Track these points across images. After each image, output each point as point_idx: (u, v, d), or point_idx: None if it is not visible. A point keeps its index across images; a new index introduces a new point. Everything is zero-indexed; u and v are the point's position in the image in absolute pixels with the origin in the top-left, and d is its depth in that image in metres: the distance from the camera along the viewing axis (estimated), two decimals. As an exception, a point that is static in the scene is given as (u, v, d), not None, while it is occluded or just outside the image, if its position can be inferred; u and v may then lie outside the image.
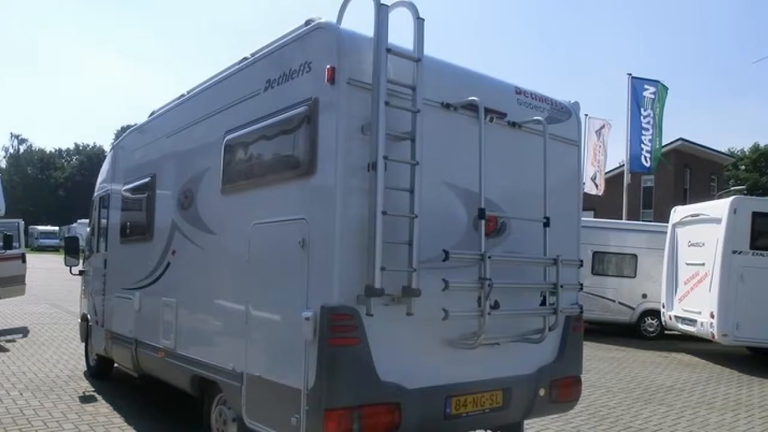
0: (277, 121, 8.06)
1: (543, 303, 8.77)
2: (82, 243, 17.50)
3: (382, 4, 7.19)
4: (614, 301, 27.15)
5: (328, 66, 7.17)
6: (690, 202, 27.62)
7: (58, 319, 25.89)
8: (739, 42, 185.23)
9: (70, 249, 16.54)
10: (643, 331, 27.32)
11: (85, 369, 15.98)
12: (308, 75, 7.59)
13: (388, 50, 7.17)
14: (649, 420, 13.45)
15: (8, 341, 20.36)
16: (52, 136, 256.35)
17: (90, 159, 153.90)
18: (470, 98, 8.17)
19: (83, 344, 16.50)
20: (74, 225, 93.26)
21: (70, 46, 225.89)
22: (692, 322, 22.29)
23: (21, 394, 13.41)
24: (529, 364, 8.91)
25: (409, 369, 7.54)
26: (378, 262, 6.90)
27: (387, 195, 6.99)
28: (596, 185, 36.73)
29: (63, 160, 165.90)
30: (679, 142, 58.35)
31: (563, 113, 9.69)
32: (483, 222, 8.01)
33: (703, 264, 21.88)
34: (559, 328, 9.00)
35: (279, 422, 7.59)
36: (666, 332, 26.49)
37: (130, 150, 13.80)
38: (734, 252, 20.80)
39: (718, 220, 21.42)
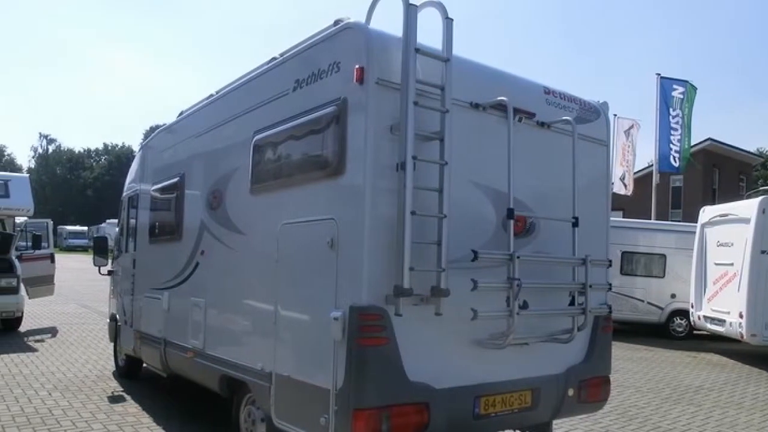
0: (305, 121, 8.07)
1: (572, 303, 8.75)
2: (110, 243, 17.57)
3: (411, 4, 7.19)
4: (643, 301, 27.06)
5: (357, 66, 7.18)
6: (719, 202, 27.49)
7: (87, 319, 26.02)
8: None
9: (99, 249, 16.60)
10: (672, 331, 27.21)
11: (114, 369, 16.05)
12: (337, 75, 7.59)
13: (417, 50, 7.16)
14: (677, 420, 13.40)
15: (37, 341, 20.50)
16: (81, 136, 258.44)
17: (119, 159, 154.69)
18: (499, 98, 8.16)
19: (112, 344, 16.57)
20: (103, 225, 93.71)
21: (99, 46, 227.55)
22: (721, 322, 22.17)
23: (50, 393, 13.48)
24: (557, 364, 8.89)
25: (438, 369, 7.54)
26: (407, 262, 6.89)
27: (416, 195, 6.99)
28: (625, 185, 36.61)
29: (92, 160, 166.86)
30: (708, 142, 58.08)
31: (592, 113, 9.66)
32: (512, 222, 8.00)
33: (732, 264, 21.78)
34: (587, 328, 8.96)
35: (308, 422, 7.60)
36: (695, 332, 26.37)
37: (159, 150, 13.85)
38: (763, 252, 20.66)
39: (746, 220, 21.31)
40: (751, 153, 71.13)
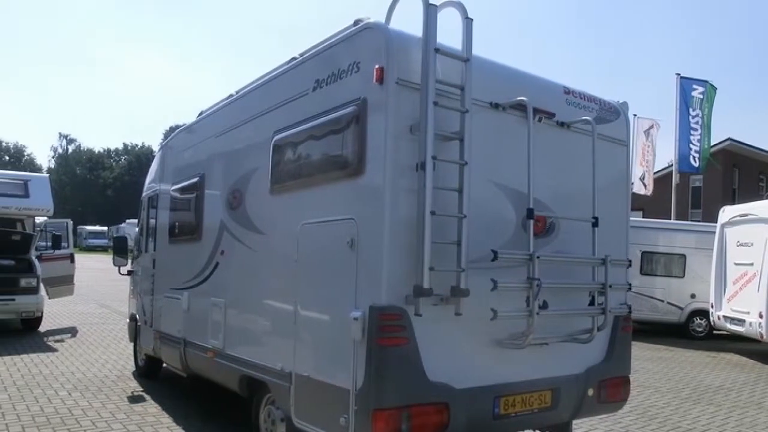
0: (325, 121, 8.09)
1: (591, 303, 8.73)
2: (130, 243, 17.61)
3: (431, 5, 7.20)
4: (663, 301, 26.98)
5: (376, 66, 7.18)
6: (738, 202, 27.44)
7: (107, 319, 26.08)
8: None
9: (119, 249, 16.64)
10: (692, 331, 27.13)
11: (134, 369, 16.09)
12: (357, 75, 7.60)
13: (437, 50, 7.17)
14: (697, 420, 13.37)
15: (57, 341, 20.57)
16: (101, 136, 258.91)
17: (138, 159, 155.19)
18: (519, 98, 8.15)
19: (132, 344, 16.60)
20: (123, 225, 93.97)
21: (118, 46, 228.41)
22: (741, 322, 22.09)
23: (70, 394, 13.52)
24: (577, 364, 8.88)
25: (458, 369, 7.53)
26: (427, 262, 6.90)
27: (435, 195, 7.00)
28: (645, 185, 36.59)
29: (111, 160, 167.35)
30: (728, 142, 57.75)
31: (612, 113, 9.64)
32: (532, 222, 8.00)
33: (752, 264, 21.70)
34: (607, 328, 8.94)
35: (328, 422, 7.60)
36: (714, 332, 26.31)
37: (179, 150, 13.88)
38: (783, 252, 20.61)
39: (766, 220, 21.23)
40: (772, 153, 70.82)
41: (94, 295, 35.12)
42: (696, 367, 20.33)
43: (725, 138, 57.26)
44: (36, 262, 22.83)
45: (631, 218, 10.19)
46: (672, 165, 39.19)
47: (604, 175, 8.98)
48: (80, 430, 11.08)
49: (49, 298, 23.81)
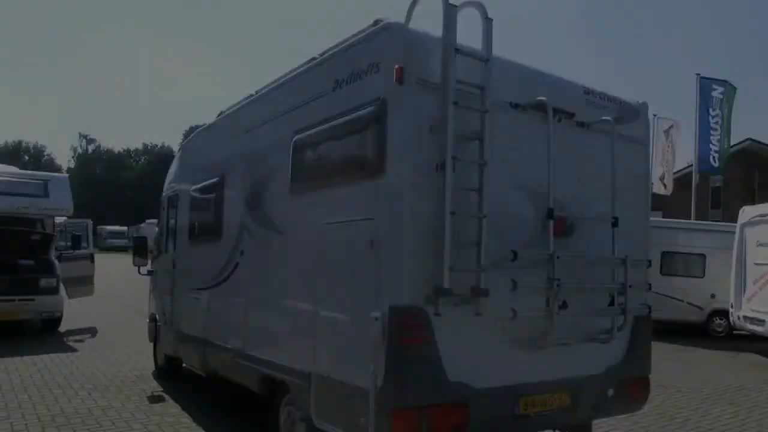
0: (345, 121, 8.06)
1: (611, 303, 8.73)
2: (150, 243, 17.63)
3: (451, 5, 7.20)
4: (683, 301, 26.84)
5: (396, 66, 7.16)
6: (758, 202, 27.29)
7: (127, 320, 26.04)
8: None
9: (139, 249, 16.65)
10: (712, 331, 27.07)
11: (154, 369, 16.11)
12: (377, 75, 7.57)
13: (457, 50, 7.18)
14: (717, 420, 13.32)
15: (77, 341, 20.65)
16: (120, 137, 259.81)
17: (158, 159, 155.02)
18: (539, 98, 8.15)
19: (152, 344, 16.62)
20: (143, 225, 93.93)
21: (136, 46, 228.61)
22: (761, 322, 21.98)
23: (90, 394, 13.56)
24: (597, 364, 8.85)
25: (478, 369, 7.52)
26: (447, 262, 6.91)
27: (455, 195, 7.00)
28: (664, 185, 36.52)
29: (131, 160, 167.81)
30: (748, 143, 57.38)
31: (632, 113, 9.62)
32: (552, 222, 7.99)
33: (772, 264, 21.60)
34: (627, 328, 8.93)
35: (347, 422, 7.62)
36: (734, 332, 26.19)
37: (199, 150, 13.92)
38: (803, 252, 20.53)
39: (786, 221, 21.17)
40: (791, 153, 70.42)
41: (114, 296, 35.14)
42: (716, 367, 20.28)
43: (745, 138, 56.97)
44: (56, 262, 22.94)
45: (651, 218, 10.17)
46: (692, 165, 39.10)
47: (623, 175, 8.96)
48: (100, 430, 11.12)
49: (69, 299, 23.89)
